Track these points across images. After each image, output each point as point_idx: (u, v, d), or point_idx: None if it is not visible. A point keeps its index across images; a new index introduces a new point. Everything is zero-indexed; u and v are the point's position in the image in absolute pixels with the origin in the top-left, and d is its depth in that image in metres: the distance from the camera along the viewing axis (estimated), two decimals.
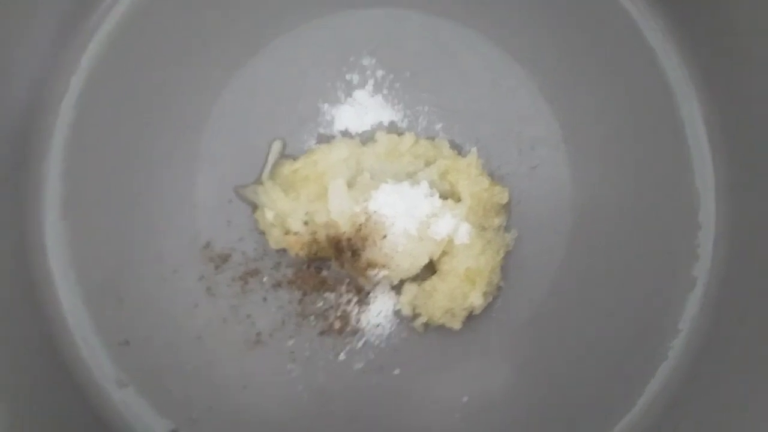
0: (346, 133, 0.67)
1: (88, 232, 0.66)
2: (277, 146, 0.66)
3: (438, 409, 0.66)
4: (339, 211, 0.61)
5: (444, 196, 0.64)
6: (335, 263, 0.63)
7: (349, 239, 0.61)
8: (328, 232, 0.62)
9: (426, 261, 0.62)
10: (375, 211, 0.61)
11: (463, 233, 0.63)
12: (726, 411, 0.62)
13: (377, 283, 0.64)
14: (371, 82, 0.67)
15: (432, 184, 0.64)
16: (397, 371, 0.65)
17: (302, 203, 0.63)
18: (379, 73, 0.67)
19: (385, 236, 0.61)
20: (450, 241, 0.63)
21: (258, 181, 0.66)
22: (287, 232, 0.63)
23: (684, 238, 0.68)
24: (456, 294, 0.63)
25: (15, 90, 0.64)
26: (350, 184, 0.63)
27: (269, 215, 0.63)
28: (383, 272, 0.62)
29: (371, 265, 0.61)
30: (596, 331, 0.67)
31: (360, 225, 0.61)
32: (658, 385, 0.67)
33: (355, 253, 0.61)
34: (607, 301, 0.67)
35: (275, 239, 0.63)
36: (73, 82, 0.67)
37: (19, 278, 0.64)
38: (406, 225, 0.61)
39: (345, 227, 0.61)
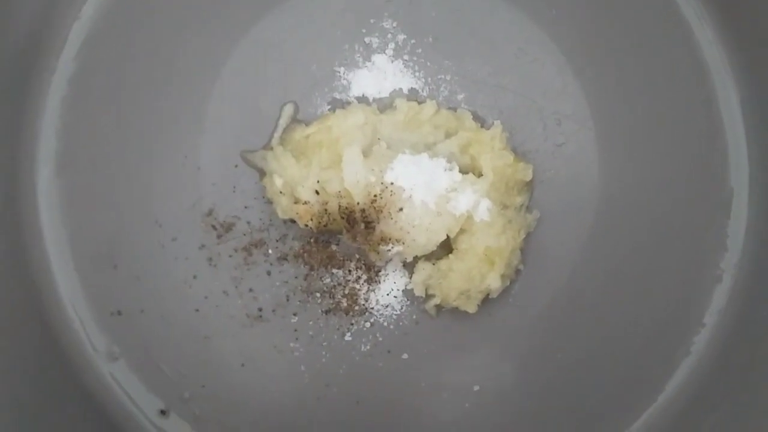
0: (362, 99, 0.64)
1: (82, 192, 0.63)
2: (288, 110, 0.63)
3: (447, 398, 0.63)
4: (353, 180, 0.58)
5: (464, 171, 0.61)
6: (346, 236, 0.60)
7: (363, 210, 0.58)
8: (341, 202, 0.58)
9: (443, 237, 0.59)
10: (391, 182, 0.58)
11: (484, 210, 0.60)
12: (748, 410, 0.59)
13: (389, 260, 0.62)
14: (391, 46, 0.64)
15: (452, 157, 0.61)
16: (405, 355, 0.63)
17: (314, 171, 0.59)
18: (401, 37, 0.64)
19: (401, 209, 0.58)
20: (469, 217, 0.59)
21: (267, 147, 0.63)
22: (296, 201, 0.60)
23: (713, 229, 0.65)
24: (473, 275, 0.60)
25: (12, 39, 0.61)
26: (366, 153, 0.59)
27: (278, 182, 0.60)
28: (397, 248, 0.58)
29: (385, 239, 0.58)
30: (617, 322, 0.64)
31: (375, 196, 0.58)
32: (680, 381, 0.64)
33: (369, 226, 0.58)
34: (630, 292, 0.64)
35: (283, 208, 0.60)
36: (73, 33, 0.64)
37: (7, 238, 0.60)
38: (424, 198, 0.58)
39: (359, 197, 0.58)
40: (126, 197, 0.63)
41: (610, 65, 0.65)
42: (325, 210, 0.59)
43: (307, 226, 0.60)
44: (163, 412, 0.62)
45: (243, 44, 0.64)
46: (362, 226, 0.58)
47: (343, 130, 0.60)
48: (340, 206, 0.58)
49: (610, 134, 0.64)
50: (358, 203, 0.58)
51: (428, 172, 0.59)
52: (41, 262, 0.62)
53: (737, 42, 0.65)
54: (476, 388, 0.63)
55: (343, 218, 0.59)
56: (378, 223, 0.58)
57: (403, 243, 0.58)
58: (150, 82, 0.63)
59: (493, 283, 0.60)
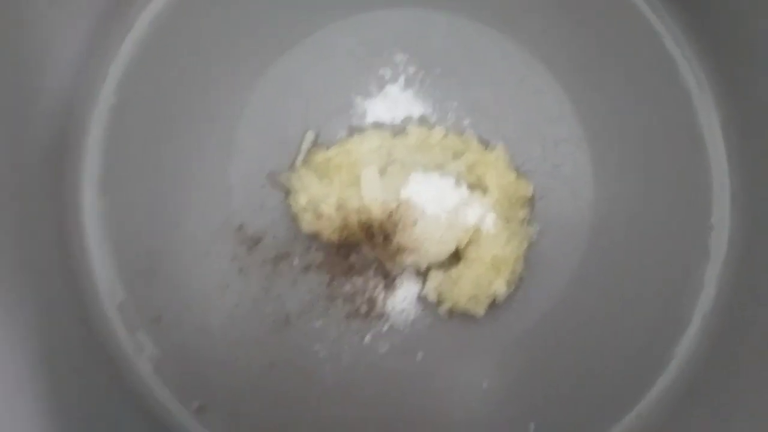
0: (377, 125, 0.69)
1: (124, 210, 0.68)
2: (310, 136, 0.68)
3: (458, 394, 0.67)
4: (371, 197, 0.63)
5: (471, 188, 0.66)
6: (366, 247, 0.65)
7: (380, 224, 0.63)
8: (360, 217, 0.64)
9: (454, 247, 0.64)
10: (406, 199, 0.64)
11: (490, 223, 0.65)
12: (729, 413, 0.63)
13: (405, 269, 0.66)
14: (403, 77, 0.70)
15: (460, 176, 0.66)
16: (420, 356, 0.67)
17: (335, 189, 0.65)
18: (411, 69, 0.70)
19: (415, 222, 0.63)
20: (477, 230, 0.65)
21: (291, 168, 0.68)
22: (319, 217, 0.65)
23: (697, 239, 0.70)
24: (481, 281, 0.65)
25: (58, 73, 0.66)
26: (381, 173, 0.65)
27: (302, 200, 0.65)
28: (412, 257, 0.64)
29: (401, 249, 0.64)
30: (611, 325, 0.68)
31: (391, 211, 0.63)
32: (668, 380, 0.69)
33: (387, 238, 0.63)
34: (622, 297, 0.69)
35: (307, 223, 0.66)
36: (113, 67, 0.69)
37: (56, 252, 0.65)
38: (435, 212, 0.64)
39: (377, 213, 0.63)
40: (164, 214, 0.67)
41: (603, 94, 0.70)
42: (346, 224, 0.64)
43: (329, 239, 0.65)
44: (199, 409, 0.66)
45: (268, 77, 0.69)
46: (381, 237, 0.63)
47: (361, 153, 0.65)
48: (359, 221, 0.64)
49: (602, 155, 0.69)
50: (376, 218, 0.64)
51: (439, 189, 0.64)
52: (88, 274, 0.67)
53: (717, 73, 0.70)
54: (485, 385, 0.67)
55: (362, 231, 0.64)
56: (394, 235, 0.63)
57: (418, 253, 0.64)
58: (184, 111, 0.68)
59: (500, 288, 0.65)
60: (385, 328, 0.67)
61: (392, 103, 0.69)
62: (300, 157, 0.68)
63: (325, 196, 0.65)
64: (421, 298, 0.67)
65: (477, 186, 0.67)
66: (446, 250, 0.64)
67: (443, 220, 0.64)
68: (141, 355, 0.67)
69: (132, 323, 0.67)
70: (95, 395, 0.64)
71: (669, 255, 0.69)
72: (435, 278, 0.66)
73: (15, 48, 0.60)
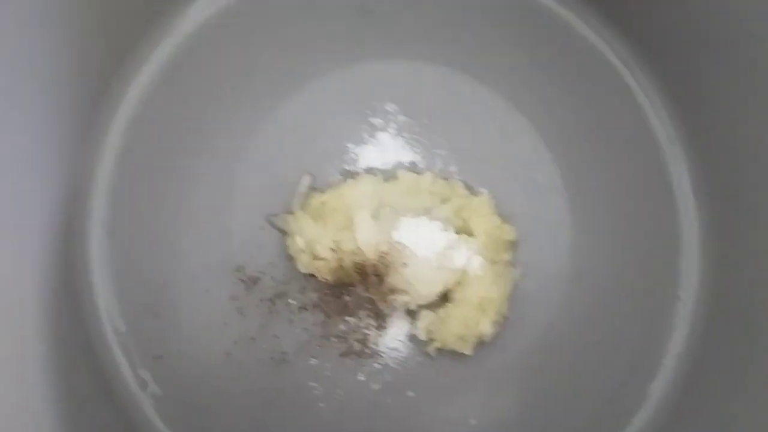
0: (369, 170, 0.72)
1: (129, 251, 0.70)
2: (306, 180, 0.71)
3: (448, 431, 0.70)
4: (365, 240, 0.67)
5: (458, 232, 0.69)
6: (360, 287, 0.68)
7: (374, 265, 0.66)
8: (354, 258, 0.67)
9: (442, 288, 0.68)
10: (397, 241, 0.67)
11: (476, 265, 0.68)
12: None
13: (396, 308, 0.69)
14: (393, 125, 0.73)
15: (447, 220, 0.69)
16: (411, 393, 0.70)
17: (330, 232, 0.68)
18: (401, 118, 0.73)
19: (406, 264, 0.67)
20: (464, 272, 0.68)
21: (288, 211, 0.71)
22: (315, 258, 0.68)
23: (668, 282, 0.73)
24: (468, 321, 0.68)
25: (65, 117, 0.68)
26: (373, 217, 0.68)
27: (300, 242, 0.68)
28: (403, 297, 0.67)
29: (392, 290, 0.67)
30: (590, 363, 0.71)
31: (383, 253, 0.67)
32: (644, 418, 0.72)
33: (380, 278, 0.66)
34: (600, 337, 0.72)
35: (304, 264, 0.69)
36: (120, 112, 0.71)
37: (63, 291, 0.67)
38: (425, 255, 0.67)
39: (370, 254, 0.66)
40: (166, 255, 0.70)
41: (579, 144, 0.73)
42: (340, 265, 0.68)
43: (325, 279, 0.68)
44: None
45: (267, 122, 0.72)
46: (374, 278, 0.66)
47: (354, 197, 0.68)
48: (353, 262, 0.67)
49: (580, 201, 0.72)
50: (369, 259, 0.67)
51: (428, 232, 0.68)
52: (93, 312, 0.69)
53: (686, 126, 0.74)
54: (473, 422, 0.69)
55: (356, 272, 0.67)
56: (387, 276, 0.67)
57: (409, 293, 0.67)
58: (187, 155, 0.71)
59: (486, 328, 0.68)
60: (378, 366, 0.70)
61: (383, 149, 0.73)
62: (296, 200, 0.71)
63: (320, 239, 0.68)
64: (412, 337, 0.70)
65: (463, 230, 0.70)
66: (435, 290, 0.68)
67: (432, 262, 0.67)
68: (143, 392, 0.69)
69: (134, 360, 0.69)
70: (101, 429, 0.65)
71: (642, 297, 0.73)
72: (425, 318, 0.69)
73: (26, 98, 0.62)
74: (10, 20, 0.57)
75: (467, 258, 0.68)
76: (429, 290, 0.67)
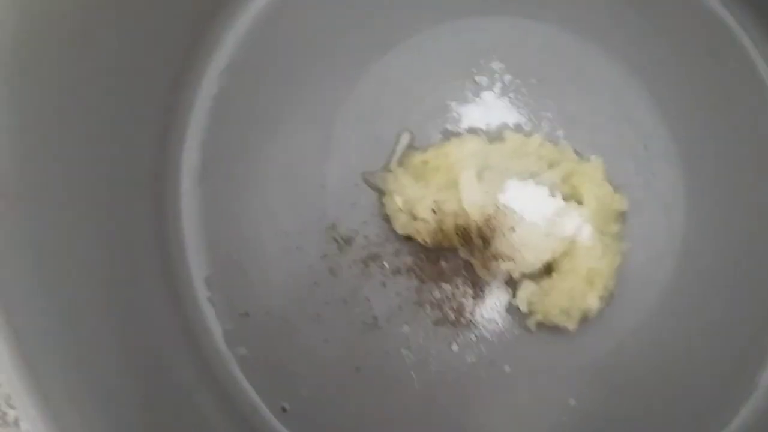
0: (472, 131, 0.69)
1: (220, 202, 0.68)
2: (406, 137, 0.68)
3: (545, 410, 0.66)
4: (470, 201, 0.63)
5: (565, 199, 0.65)
6: (462, 251, 0.64)
7: (479, 228, 0.62)
8: (457, 220, 0.63)
9: (550, 256, 0.63)
10: (504, 205, 0.63)
11: (586, 235, 0.64)
12: None
13: (497, 277, 0.65)
14: (499, 85, 0.70)
15: (553, 186, 0.65)
16: (507, 368, 0.66)
17: (431, 192, 0.64)
18: (507, 77, 0.70)
19: (513, 229, 0.62)
20: (571, 241, 0.64)
21: (385, 169, 0.67)
22: (414, 219, 0.64)
23: None
24: (575, 293, 0.64)
25: (159, 63, 0.66)
26: (479, 178, 0.64)
27: (398, 201, 0.65)
28: (507, 264, 0.63)
29: (498, 256, 0.63)
30: (698, 347, 0.67)
31: (489, 216, 0.63)
32: (752, 408, 0.67)
33: (485, 242, 0.62)
34: (710, 319, 0.67)
35: (402, 225, 0.65)
36: (216, 57, 0.69)
37: (154, 239, 0.65)
38: (533, 221, 0.63)
39: (475, 217, 0.63)
40: (258, 208, 0.67)
41: (699, 117, 0.69)
42: (441, 227, 0.64)
43: (423, 241, 0.65)
44: (284, 410, 0.65)
45: (366, 77, 0.69)
46: (480, 242, 0.63)
47: (459, 157, 0.65)
48: (456, 224, 0.63)
49: (696, 176, 0.68)
50: (474, 222, 0.63)
51: (535, 197, 0.64)
52: (182, 264, 0.66)
53: None
54: (572, 402, 0.66)
55: (458, 235, 0.63)
56: (492, 239, 0.63)
57: (514, 260, 0.63)
58: (282, 108, 0.68)
59: (593, 302, 0.64)
60: (473, 337, 0.66)
61: (487, 109, 0.69)
62: (395, 158, 0.68)
63: (420, 198, 0.64)
64: (510, 309, 0.66)
65: (571, 197, 0.66)
66: (542, 259, 0.63)
67: (540, 229, 0.63)
68: (229, 351, 0.66)
69: (222, 317, 0.67)
70: (183, 390, 0.63)
71: (757, 280, 0.68)
72: (527, 288, 0.65)
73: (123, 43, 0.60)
74: None
75: (577, 226, 0.64)
76: (536, 258, 0.63)
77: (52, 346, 0.48)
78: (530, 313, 0.65)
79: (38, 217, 0.50)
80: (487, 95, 0.70)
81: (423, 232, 0.64)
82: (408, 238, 0.66)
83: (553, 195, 0.65)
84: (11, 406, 0.62)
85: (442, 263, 0.67)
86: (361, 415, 0.65)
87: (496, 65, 0.70)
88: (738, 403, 0.67)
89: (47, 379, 0.46)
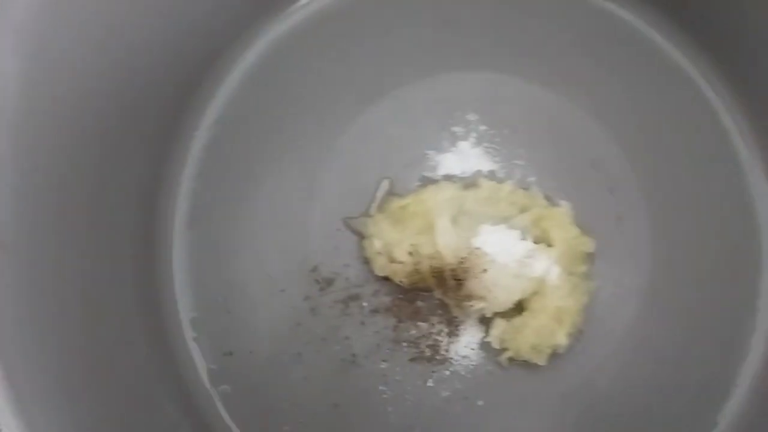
0: (448, 178, 0.72)
1: (208, 246, 0.71)
2: (385, 184, 0.72)
3: None
4: (446, 244, 0.66)
5: (535, 241, 0.69)
6: (437, 291, 0.68)
7: (453, 269, 0.66)
8: (432, 262, 0.67)
9: (520, 296, 0.67)
10: (477, 248, 0.66)
11: (554, 275, 0.67)
12: None
13: (470, 315, 0.69)
14: (474, 135, 0.74)
15: (525, 229, 0.69)
16: (480, 402, 0.69)
17: (408, 235, 0.68)
18: (482, 128, 0.74)
19: (485, 270, 0.66)
20: (542, 281, 0.67)
21: (366, 214, 0.71)
22: (392, 261, 0.68)
23: (746, 304, 0.71)
24: (544, 331, 0.67)
25: (155, 113, 0.70)
26: (453, 223, 0.68)
27: (377, 244, 0.68)
28: (480, 304, 0.66)
29: (471, 295, 0.66)
30: (662, 381, 0.70)
31: (462, 258, 0.66)
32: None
33: (459, 283, 0.66)
34: (673, 356, 0.70)
35: (380, 267, 0.68)
36: (208, 111, 0.74)
37: (145, 282, 0.69)
38: (504, 262, 0.66)
39: (449, 259, 0.66)
40: (244, 253, 0.71)
41: (661, 160, 0.73)
42: (417, 269, 0.67)
43: (400, 282, 0.68)
44: None
45: (349, 129, 0.73)
46: (453, 283, 0.66)
47: (435, 203, 0.68)
48: (431, 266, 0.67)
49: (660, 215, 0.71)
50: (448, 264, 0.67)
51: (507, 240, 0.67)
52: (170, 305, 0.70)
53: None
54: None
55: (433, 276, 0.67)
56: (465, 280, 0.66)
57: (486, 300, 0.66)
58: (269, 157, 0.72)
59: (561, 339, 0.67)
60: (447, 373, 0.69)
61: (463, 158, 0.73)
62: (375, 204, 0.71)
63: (398, 242, 0.68)
64: (483, 346, 0.69)
65: (541, 240, 0.69)
66: (513, 298, 0.67)
67: (511, 270, 0.66)
68: (213, 389, 0.69)
69: (206, 355, 0.70)
70: (168, 426, 0.66)
71: (719, 319, 0.71)
72: (499, 326, 0.68)
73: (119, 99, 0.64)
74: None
75: (546, 267, 0.67)
76: (507, 297, 0.67)
77: (42, 385, 0.52)
78: (502, 349, 0.68)
79: (32, 266, 0.54)
80: (462, 144, 0.73)
81: (400, 274, 0.68)
82: (386, 279, 0.69)
83: (524, 238, 0.68)
84: None
85: (419, 303, 0.70)
86: None
87: (471, 117, 0.74)
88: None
89: (34, 415, 0.49)
